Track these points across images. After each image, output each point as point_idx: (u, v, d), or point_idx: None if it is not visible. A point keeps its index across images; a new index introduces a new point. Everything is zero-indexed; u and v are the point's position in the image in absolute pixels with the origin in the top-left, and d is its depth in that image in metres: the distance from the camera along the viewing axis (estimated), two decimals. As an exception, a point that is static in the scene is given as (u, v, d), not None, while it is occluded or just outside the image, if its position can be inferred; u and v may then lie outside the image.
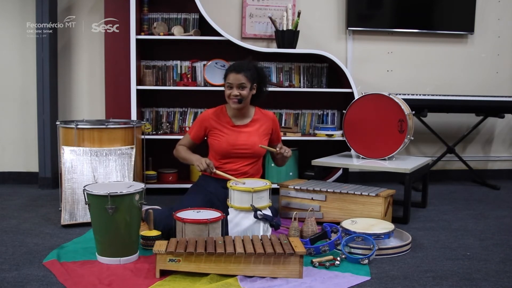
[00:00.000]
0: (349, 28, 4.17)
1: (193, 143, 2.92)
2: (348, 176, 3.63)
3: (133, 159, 3.03)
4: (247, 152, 2.82)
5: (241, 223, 2.45)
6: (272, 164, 3.80)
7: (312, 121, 4.07)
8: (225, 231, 2.40)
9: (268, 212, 2.49)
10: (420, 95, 3.97)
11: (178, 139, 3.02)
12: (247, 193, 2.43)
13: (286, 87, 3.99)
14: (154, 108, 3.97)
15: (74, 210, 2.84)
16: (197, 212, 2.39)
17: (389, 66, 4.31)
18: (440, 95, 4.00)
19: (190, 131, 2.93)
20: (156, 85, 3.88)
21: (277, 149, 2.79)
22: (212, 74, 3.83)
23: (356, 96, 3.68)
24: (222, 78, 2.91)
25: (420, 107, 3.86)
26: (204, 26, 3.80)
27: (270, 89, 3.86)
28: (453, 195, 3.83)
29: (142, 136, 3.43)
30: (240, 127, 2.86)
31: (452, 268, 2.23)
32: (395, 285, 2.03)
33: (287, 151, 2.80)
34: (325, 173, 3.65)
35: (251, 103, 2.92)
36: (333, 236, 2.48)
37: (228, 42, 3.72)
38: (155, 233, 2.42)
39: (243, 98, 2.76)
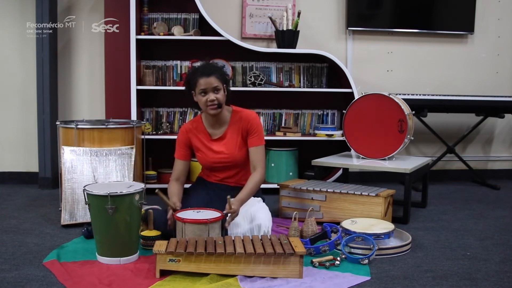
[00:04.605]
0: (349, 28, 4.17)
1: (185, 163, 2.72)
2: (348, 176, 3.63)
3: (133, 159, 3.03)
4: (229, 165, 2.68)
5: (241, 223, 2.46)
6: (272, 164, 3.82)
7: (312, 121, 4.07)
8: (225, 231, 2.40)
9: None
10: (420, 95, 3.96)
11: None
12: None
13: (286, 87, 3.99)
14: (154, 108, 3.97)
15: (74, 210, 2.84)
16: (197, 212, 2.39)
17: (389, 66, 4.31)
18: (440, 95, 4.00)
19: (176, 153, 2.73)
20: (156, 85, 3.88)
21: (226, 210, 2.40)
22: (212, 74, 3.82)
23: (356, 96, 3.68)
24: (184, 85, 2.64)
25: (420, 107, 3.86)
26: (204, 26, 3.80)
27: (270, 89, 3.91)
28: (453, 195, 3.83)
29: (142, 136, 3.43)
30: (217, 140, 2.67)
31: (452, 268, 2.23)
32: (395, 285, 2.03)
33: (232, 216, 2.41)
34: (325, 173, 3.65)
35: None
36: (333, 236, 2.48)
37: (228, 42, 3.72)
38: (155, 233, 2.42)
39: (220, 102, 2.53)
